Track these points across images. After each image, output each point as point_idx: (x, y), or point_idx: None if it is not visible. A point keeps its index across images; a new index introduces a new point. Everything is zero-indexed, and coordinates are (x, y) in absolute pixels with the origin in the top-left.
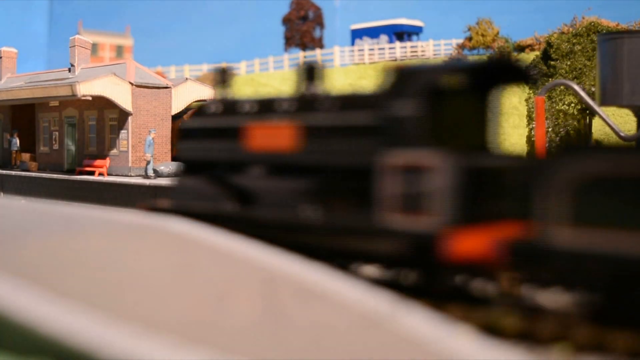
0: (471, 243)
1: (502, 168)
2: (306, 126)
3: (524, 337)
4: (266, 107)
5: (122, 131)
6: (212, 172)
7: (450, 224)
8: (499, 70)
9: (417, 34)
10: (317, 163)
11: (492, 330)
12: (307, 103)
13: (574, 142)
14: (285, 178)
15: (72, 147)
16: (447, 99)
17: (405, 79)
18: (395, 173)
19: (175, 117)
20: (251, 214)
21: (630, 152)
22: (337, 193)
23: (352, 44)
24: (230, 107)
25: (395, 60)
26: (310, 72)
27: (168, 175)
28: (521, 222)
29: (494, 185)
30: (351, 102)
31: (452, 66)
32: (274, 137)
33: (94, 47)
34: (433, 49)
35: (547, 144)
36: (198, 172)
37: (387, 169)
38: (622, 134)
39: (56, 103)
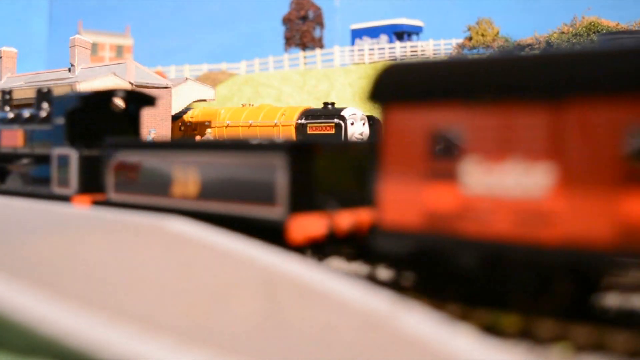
0: (86, 202)
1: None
2: (27, 131)
3: (524, 337)
4: (13, 118)
5: None
6: None
7: (76, 192)
8: (130, 95)
9: (417, 34)
10: (31, 154)
11: (492, 330)
12: (30, 117)
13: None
14: (17, 163)
15: None
16: (86, 114)
17: (57, 102)
18: (55, 160)
19: (175, 117)
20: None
21: (144, 145)
22: (38, 173)
23: (352, 43)
24: None
25: (395, 60)
26: (41, 95)
27: None
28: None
29: (100, 168)
30: (44, 116)
31: (80, 95)
32: (14, 138)
33: (94, 47)
34: (433, 48)
35: None
36: None
37: (54, 157)
38: None
39: None
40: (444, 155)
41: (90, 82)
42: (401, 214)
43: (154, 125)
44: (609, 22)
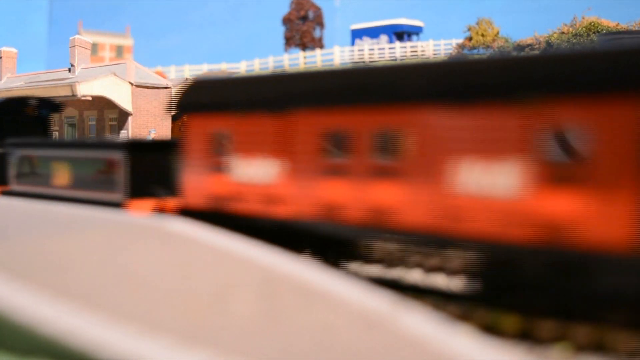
0: None
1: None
2: None
3: (524, 337)
4: None
5: (122, 131)
6: None
7: None
8: (41, 102)
9: (417, 34)
10: None
11: (492, 330)
12: None
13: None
14: None
15: None
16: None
17: None
18: None
19: (175, 117)
20: None
21: (42, 144)
22: None
23: (352, 44)
24: None
25: (395, 60)
26: None
27: None
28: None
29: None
30: None
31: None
32: None
33: (94, 47)
34: (433, 49)
35: None
36: None
37: None
38: None
39: None
40: (220, 154)
41: (90, 82)
42: (196, 198)
43: (154, 125)
44: (609, 22)
